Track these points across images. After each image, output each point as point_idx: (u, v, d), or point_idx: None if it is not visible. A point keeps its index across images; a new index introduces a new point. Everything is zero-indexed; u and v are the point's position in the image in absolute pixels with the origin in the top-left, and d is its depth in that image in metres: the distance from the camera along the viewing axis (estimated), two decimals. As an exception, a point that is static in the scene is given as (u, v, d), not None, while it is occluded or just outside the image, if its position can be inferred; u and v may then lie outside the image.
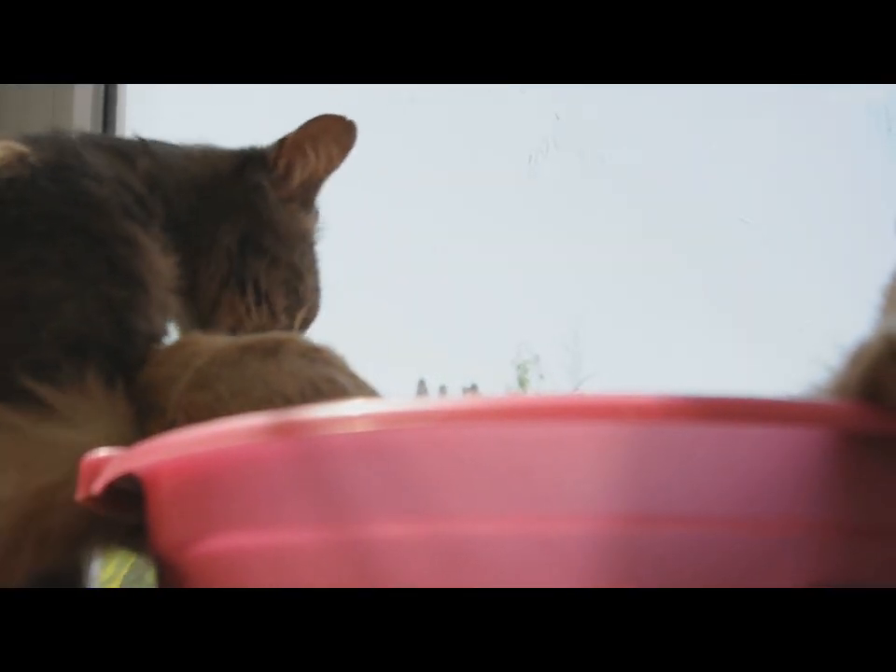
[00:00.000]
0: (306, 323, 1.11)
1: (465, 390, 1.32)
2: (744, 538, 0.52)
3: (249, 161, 1.07)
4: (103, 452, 0.62)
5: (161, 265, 0.96)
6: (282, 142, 1.08)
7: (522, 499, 0.51)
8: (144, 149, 1.03)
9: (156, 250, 0.95)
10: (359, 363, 0.84)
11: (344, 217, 1.11)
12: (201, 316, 1.03)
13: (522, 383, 1.55)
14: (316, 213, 1.13)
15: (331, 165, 1.09)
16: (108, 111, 1.38)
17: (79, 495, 0.62)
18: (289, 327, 1.07)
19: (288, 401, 0.76)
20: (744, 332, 1.33)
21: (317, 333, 0.84)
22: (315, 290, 1.10)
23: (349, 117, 1.06)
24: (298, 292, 1.06)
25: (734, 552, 0.52)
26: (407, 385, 1.41)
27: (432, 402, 0.52)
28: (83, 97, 1.35)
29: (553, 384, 1.49)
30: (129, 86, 1.40)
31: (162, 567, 0.63)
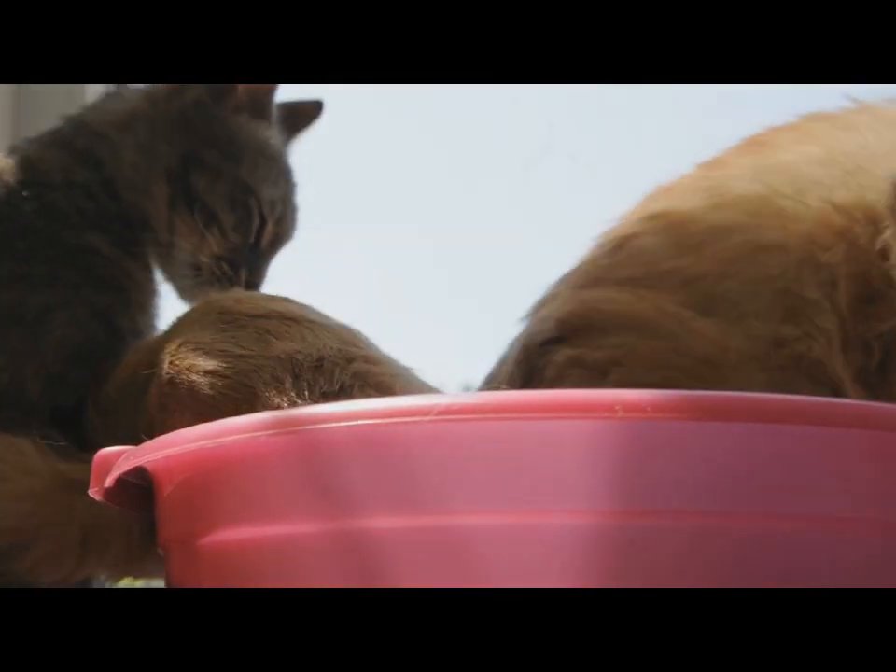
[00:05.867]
0: (277, 240, 1.04)
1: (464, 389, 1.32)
2: (734, 532, 0.53)
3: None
4: (114, 447, 0.64)
5: (132, 269, 0.96)
6: None
7: (516, 493, 0.53)
8: (78, 124, 1.01)
9: (122, 256, 0.96)
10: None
11: (342, 221, 1.09)
12: (163, 246, 0.99)
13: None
14: (273, 120, 1.05)
15: None
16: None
17: (92, 488, 0.64)
18: (246, 245, 1.00)
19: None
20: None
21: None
22: (277, 203, 1.02)
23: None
24: (247, 206, 1.00)
25: (724, 546, 0.53)
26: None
27: (429, 398, 0.54)
28: (95, 96, 1.36)
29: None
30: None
31: (171, 557, 0.65)
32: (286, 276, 1.05)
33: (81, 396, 0.89)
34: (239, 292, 0.91)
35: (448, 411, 0.52)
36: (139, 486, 0.65)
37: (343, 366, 0.71)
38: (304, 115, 1.12)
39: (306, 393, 0.70)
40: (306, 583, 0.55)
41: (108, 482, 0.63)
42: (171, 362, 0.76)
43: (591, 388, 0.76)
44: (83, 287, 0.92)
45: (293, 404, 0.69)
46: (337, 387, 0.70)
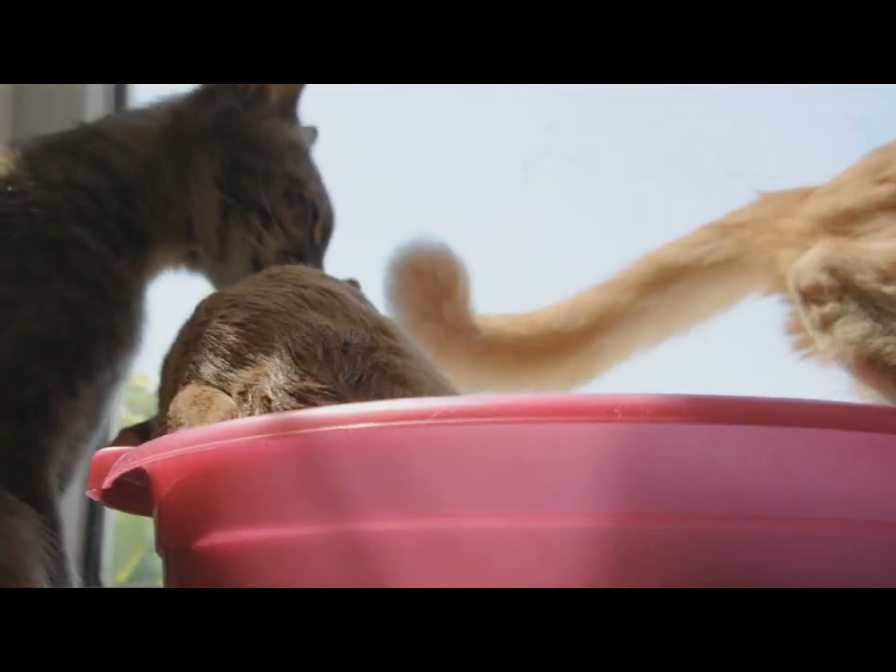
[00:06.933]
0: (325, 233, 1.05)
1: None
2: (733, 534, 0.53)
3: (217, 90, 1.03)
4: (112, 448, 0.64)
5: (115, 266, 0.96)
6: None
7: (515, 496, 0.53)
8: (91, 132, 1.02)
9: (108, 254, 0.95)
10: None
11: (339, 226, 1.09)
12: (214, 257, 1.00)
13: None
14: (300, 124, 1.07)
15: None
16: (119, 110, 1.39)
17: (90, 489, 0.65)
18: (307, 239, 1.02)
19: None
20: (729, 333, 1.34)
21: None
22: (324, 196, 1.04)
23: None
24: (303, 199, 1.01)
25: (723, 548, 0.53)
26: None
27: (429, 401, 0.53)
28: (95, 96, 1.36)
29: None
30: (139, 86, 1.41)
31: (169, 560, 0.65)
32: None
33: (41, 389, 0.90)
34: (289, 265, 0.88)
35: (447, 414, 0.52)
36: (137, 488, 0.65)
37: (364, 355, 0.70)
38: None
39: (335, 370, 0.68)
40: (304, 585, 0.55)
41: (106, 483, 0.63)
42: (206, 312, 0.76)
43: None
44: (55, 282, 0.91)
45: (316, 377, 0.68)
46: (357, 377, 0.68)
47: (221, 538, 0.59)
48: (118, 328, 0.95)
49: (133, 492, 0.65)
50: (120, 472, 0.61)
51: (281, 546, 0.56)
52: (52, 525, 0.88)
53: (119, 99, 1.40)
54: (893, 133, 1.09)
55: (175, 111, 1.03)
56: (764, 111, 1.34)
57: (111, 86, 1.40)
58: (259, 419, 0.56)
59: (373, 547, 0.54)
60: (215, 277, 1.01)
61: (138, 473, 0.63)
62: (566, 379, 1.13)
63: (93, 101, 1.36)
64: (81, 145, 1.00)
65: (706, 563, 0.53)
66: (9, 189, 0.94)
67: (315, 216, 1.02)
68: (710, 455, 0.53)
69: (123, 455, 0.62)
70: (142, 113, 1.04)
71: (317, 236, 1.03)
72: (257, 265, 0.98)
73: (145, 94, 1.37)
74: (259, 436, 0.55)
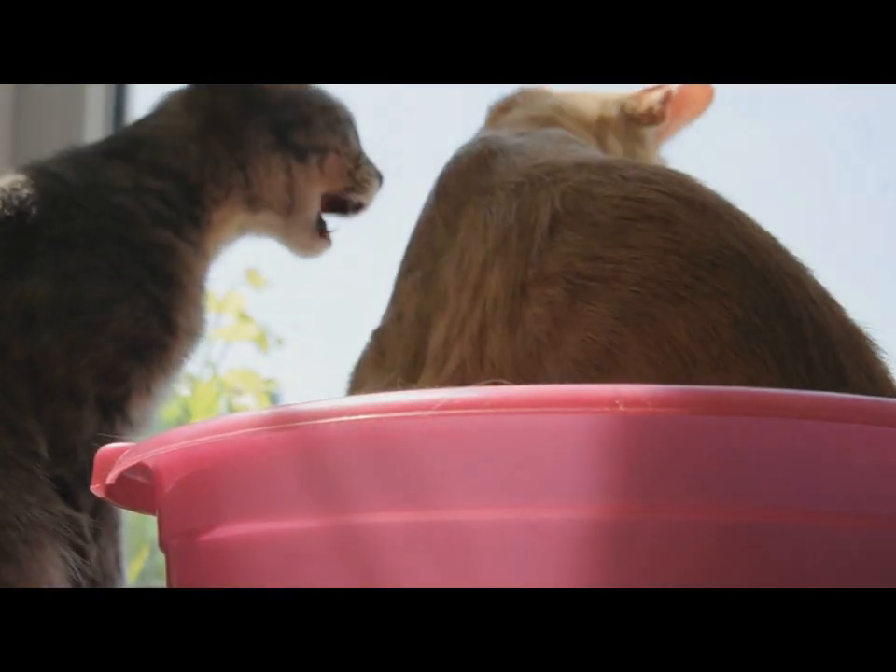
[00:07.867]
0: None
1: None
2: (736, 528, 0.53)
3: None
4: (116, 444, 0.64)
5: (194, 265, 1.01)
6: None
7: (517, 488, 0.53)
8: (133, 140, 1.05)
9: (189, 252, 1.00)
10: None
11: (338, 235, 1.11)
12: (283, 214, 1.07)
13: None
14: None
15: None
16: (119, 110, 1.40)
17: (94, 485, 0.65)
18: (358, 151, 1.10)
19: None
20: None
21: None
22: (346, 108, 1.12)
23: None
24: (340, 120, 1.09)
25: (726, 542, 0.53)
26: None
27: (429, 393, 0.53)
28: (95, 96, 1.37)
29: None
30: (139, 86, 1.42)
31: (172, 555, 0.65)
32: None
33: (129, 387, 0.94)
34: None
35: (449, 405, 0.52)
36: (142, 485, 0.65)
37: None
38: None
39: None
40: (307, 579, 0.55)
41: (110, 479, 0.63)
42: None
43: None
44: (145, 283, 0.96)
45: None
46: None
47: (223, 532, 0.59)
48: (194, 323, 1.00)
49: (137, 489, 0.65)
50: (124, 467, 0.62)
51: (283, 539, 0.56)
52: (113, 525, 0.92)
53: (120, 99, 1.40)
54: (893, 133, 1.09)
55: (193, 105, 1.06)
56: (764, 111, 1.34)
57: (111, 86, 1.40)
58: (261, 412, 0.56)
59: (375, 538, 0.54)
60: (288, 231, 1.08)
61: (142, 470, 0.63)
62: None
63: (93, 101, 1.37)
64: (134, 153, 1.03)
65: (709, 557, 0.53)
66: (92, 195, 0.98)
67: (350, 127, 1.10)
68: (713, 447, 0.53)
69: (127, 450, 0.62)
70: (164, 112, 1.07)
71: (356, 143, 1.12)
72: (328, 199, 1.08)
73: (145, 94, 1.38)
74: (259, 429, 0.55)
